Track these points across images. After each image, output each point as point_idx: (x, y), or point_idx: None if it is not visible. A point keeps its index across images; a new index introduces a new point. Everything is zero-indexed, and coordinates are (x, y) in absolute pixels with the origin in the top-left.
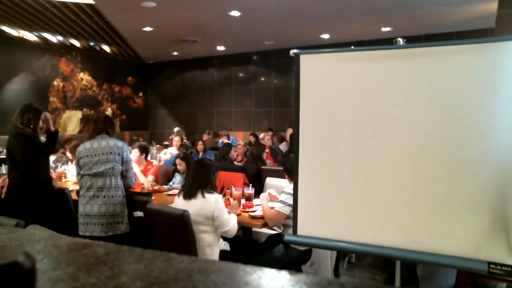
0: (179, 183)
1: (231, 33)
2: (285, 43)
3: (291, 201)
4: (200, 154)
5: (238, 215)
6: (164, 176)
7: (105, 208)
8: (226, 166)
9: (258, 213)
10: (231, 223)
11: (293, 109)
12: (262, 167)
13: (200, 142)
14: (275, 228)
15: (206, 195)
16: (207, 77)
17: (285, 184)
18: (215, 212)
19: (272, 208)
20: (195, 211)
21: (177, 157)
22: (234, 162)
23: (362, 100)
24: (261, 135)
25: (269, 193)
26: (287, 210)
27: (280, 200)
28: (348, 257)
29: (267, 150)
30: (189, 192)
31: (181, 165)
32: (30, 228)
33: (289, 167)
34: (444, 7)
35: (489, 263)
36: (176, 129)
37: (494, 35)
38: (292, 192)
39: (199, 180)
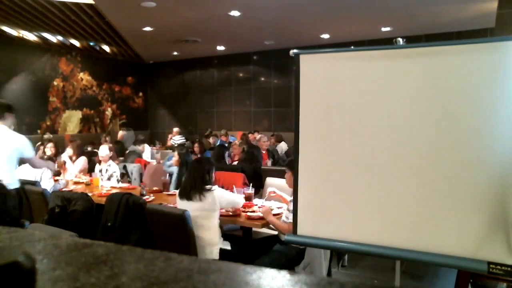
0: (174, 180)
1: (231, 33)
2: (285, 43)
3: None
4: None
5: (237, 215)
6: (162, 175)
7: None
8: (226, 166)
9: (258, 213)
10: (235, 200)
11: (293, 109)
12: (262, 167)
13: (196, 145)
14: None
15: (206, 193)
16: (207, 77)
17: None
18: (221, 202)
19: (280, 216)
20: (198, 207)
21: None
22: (232, 162)
23: (362, 100)
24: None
25: (271, 192)
26: None
27: (290, 210)
28: (341, 260)
29: (263, 151)
30: (189, 194)
31: (176, 157)
32: (30, 228)
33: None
34: (444, 7)
35: (489, 263)
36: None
37: (494, 35)
38: None
39: (197, 180)
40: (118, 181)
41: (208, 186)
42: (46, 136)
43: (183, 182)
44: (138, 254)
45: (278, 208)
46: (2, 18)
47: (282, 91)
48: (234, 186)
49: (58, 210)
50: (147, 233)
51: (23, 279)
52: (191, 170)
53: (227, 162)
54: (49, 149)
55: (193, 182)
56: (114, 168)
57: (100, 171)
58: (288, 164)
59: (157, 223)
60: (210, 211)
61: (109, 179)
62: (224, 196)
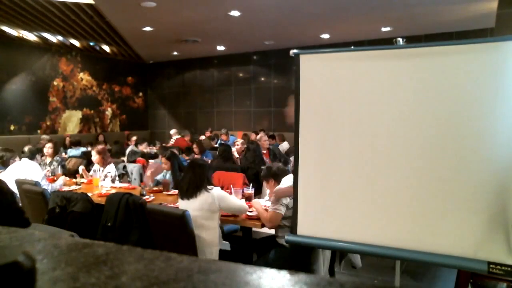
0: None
1: (231, 33)
2: (285, 43)
3: (284, 201)
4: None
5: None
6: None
7: None
8: (226, 166)
9: None
10: (238, 205)
11: (293, 109)
12: (262, 166)
13: (194, 146)
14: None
15: (206, 192)
16: (207, 77)
17: (285, 183)
18: (221, 204)
19: (266, 209)
20: (198, 205)
21: (163, 156)
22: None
23: (362, 100)
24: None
25: (269, 194)
26: (282, 210)
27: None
28: (351, 262)
29: (264, 151)
30: (187, 193)
31: (166, 164)
32: (30, 228)
33: (275, 171)
34: (444, 7)
35: (489, 263)
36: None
37: (494, 35)
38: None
39: (195, 179)
40: (113, 181)
41: (209, 187)
42: (44, 136)
43: (180, 182)
44: (138, 254)
45: None
46: (2, 18)
47: (282, 91)
48: (232, 186)
49: (58, 210)
50: (147, 233)
51: (23, 279)
52: (187, 170)
53: (234, 162)
54: (48, 149)
55: (190, 181)
56: (108, 168)
57: (95, 171)
58: (266, 174)
59: (157, 223)
60: (210, 212)
61: (103, 179)
62: (225, 200)
